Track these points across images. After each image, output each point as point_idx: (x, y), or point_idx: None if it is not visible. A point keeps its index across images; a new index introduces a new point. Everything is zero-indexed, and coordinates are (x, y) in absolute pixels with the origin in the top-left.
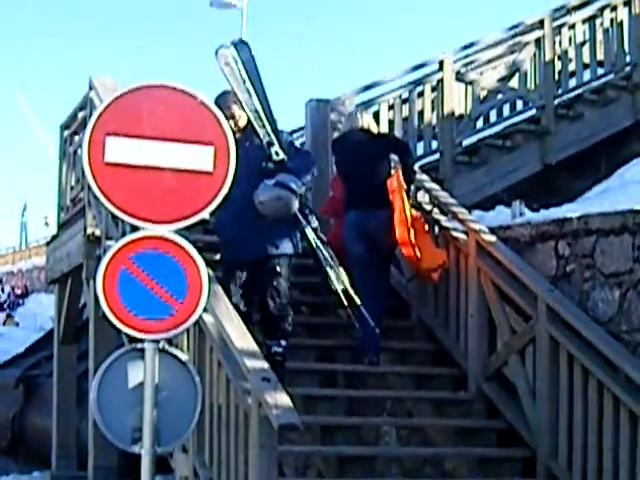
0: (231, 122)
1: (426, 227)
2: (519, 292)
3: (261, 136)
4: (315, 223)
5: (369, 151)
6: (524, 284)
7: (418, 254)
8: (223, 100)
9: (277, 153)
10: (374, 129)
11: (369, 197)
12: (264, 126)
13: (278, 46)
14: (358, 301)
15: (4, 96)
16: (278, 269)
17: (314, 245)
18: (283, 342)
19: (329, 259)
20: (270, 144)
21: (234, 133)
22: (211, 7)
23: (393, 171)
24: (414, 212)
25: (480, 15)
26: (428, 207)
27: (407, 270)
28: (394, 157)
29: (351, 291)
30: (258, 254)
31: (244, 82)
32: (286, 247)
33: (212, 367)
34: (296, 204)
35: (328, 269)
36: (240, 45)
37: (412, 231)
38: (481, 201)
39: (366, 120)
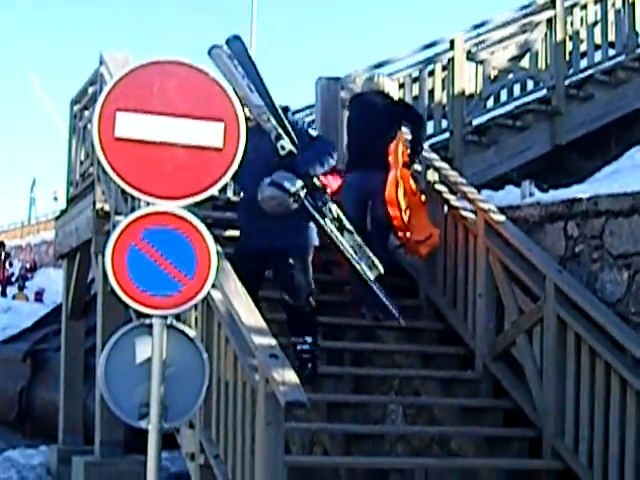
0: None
1: (422, 198)
2: (527, 272)
3: (267, 131)
4: (331, 214)
5: (383, 115)
6: (533, 264)
7: (405, 218)
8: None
9: (283, 147)
10: (393, 95)
11: (372, 159)
12: (269, 120)
13: (289, 25)
14: (381, 293)
15: (14, 72)
16: (291, 261)
17: (333, 238)
18: (308, 338)
19: (355, 248)
20: (277, 138)
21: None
22: None
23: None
24: (413, 184)
25: None
26: (437, 186)
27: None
28: (405, 125)
29: (373, 286)
30: (265, 245)
31: (242, 78)
32: (299, 240)
33: (220, 343)
34: (291, 203)
35: (354, 262)
36: (233, 41)
37: (403, 194)
38: (490, 181)
39: (387, 84)
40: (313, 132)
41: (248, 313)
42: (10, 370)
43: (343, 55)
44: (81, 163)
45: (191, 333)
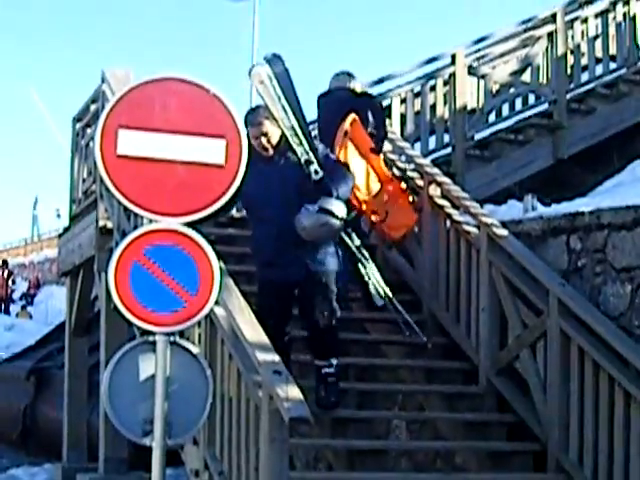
0: (263, 139)
1: (403, 185)
2: (530, 286)
3: (299, 154)
4: (358, 241)
5: (350, 108)
6: (536, 278)
7: (378, 203)
8: (253, 116)
9: (316, 172)
10: (359, 89)
11: None
12: (301, 144)
13: (289, 37)
14: (403, 311)
15: (17, 89)
16: (324, 280)
17: (359, 265)
18: (334, 361)
19: (371, 276)
20: (308, 162)
21: (266, 150)
22: None
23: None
24: (386, 170)
25: (493, 8)
26: (440, 201)
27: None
28: (369, 116)
29: (397, 305)
30: (301, 275)
31: (279, 99)
32: (331, 263)
33: (223, 360)
34: (341, 228)
35: (370, 286)
36: (273, 60)
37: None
38: (493, 195)
39: (352, 83)
40: (333, 156)
41: (251, 329)
42: (14, 388)
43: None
44: (83, 181)
45: (194, 350)
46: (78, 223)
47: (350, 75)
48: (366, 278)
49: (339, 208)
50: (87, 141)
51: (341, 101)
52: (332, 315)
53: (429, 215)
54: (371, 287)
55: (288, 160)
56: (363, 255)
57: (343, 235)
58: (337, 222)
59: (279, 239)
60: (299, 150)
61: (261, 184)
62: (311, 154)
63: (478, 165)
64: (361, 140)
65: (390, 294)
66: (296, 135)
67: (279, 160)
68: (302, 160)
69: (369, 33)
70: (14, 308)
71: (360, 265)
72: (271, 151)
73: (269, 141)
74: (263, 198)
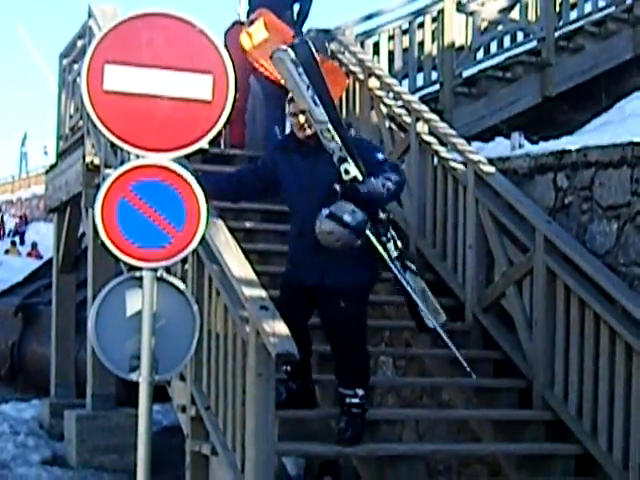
0: (301, 117)
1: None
2: (517, 224)
3: (330, 151)
4: (395, 252)
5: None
6: (522, 216)
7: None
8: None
9: (347, 171)
10: None
11: None
12: (333, 139)
13: None
14: (447, 339)
15: (3, 25)
16: (342, 305)
17: (399, 278)
18: (360, 391)
19: (417, 292)
20: (341, 160)
21: (302, 129)
22: None
23: None
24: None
25: None
26: (427, 138)
27: None
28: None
29: (441, 332)
30: (317, 281)
31: (307, 89)
32: (358, 279)
33: (210, 295)
34: (353, 239)
35: (420, 305)
36: (299, 46)
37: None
38: (480, 132)
39: None
40: (380, 155)
41: (238, 265)
42: (2, 324)
43: (332, 6)
44: (71, 117)
45: (181, 285)
46: (65, 160)
47: None
48: (413, 297)
49: (353, 217)
50: (74, 77)
51: None
52: (352, 339)
53: (416, 152)
54: (422, 308)
55: (320, 156)
56: (408, 267)
57: (379, 248)
58: (345, 232)
59: (301, 239)
60: (331, 147)
61: (292, 179)
62: (345, 151)
63: (466, 102)
64: (281, 31)
65: (444, 317)
66: (327, 130)
67: (314, 155)
68: (335, 158)
69: None
70: (3, 245)
71: (405, 283)
72: (309, 131)
73: (307, 120)
74: (293, 194)
